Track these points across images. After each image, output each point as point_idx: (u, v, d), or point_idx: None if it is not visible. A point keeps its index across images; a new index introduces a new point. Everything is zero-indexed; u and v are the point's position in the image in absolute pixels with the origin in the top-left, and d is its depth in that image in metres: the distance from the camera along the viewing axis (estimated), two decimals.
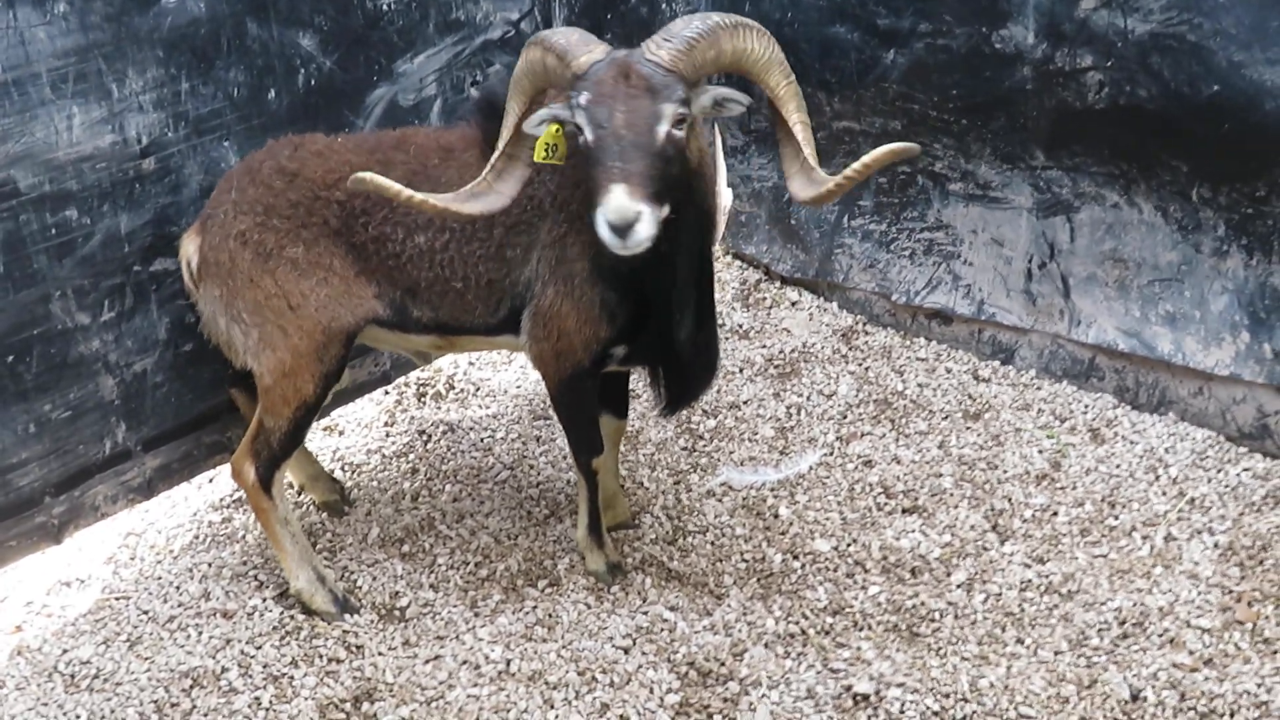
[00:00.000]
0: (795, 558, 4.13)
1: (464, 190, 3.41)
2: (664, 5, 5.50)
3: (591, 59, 3.15)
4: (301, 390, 3.78)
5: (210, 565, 4.17)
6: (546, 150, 3.36)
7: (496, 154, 3.40)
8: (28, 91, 3.66)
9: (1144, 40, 4.38)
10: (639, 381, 4.18)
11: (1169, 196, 4.53)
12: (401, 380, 5.18)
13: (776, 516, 4.33)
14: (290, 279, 3.74)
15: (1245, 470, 4.39)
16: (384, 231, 3.75)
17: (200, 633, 3.88)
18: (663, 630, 3.83)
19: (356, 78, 4.53)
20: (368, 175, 3.29)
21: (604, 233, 3.05)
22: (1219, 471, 4.40)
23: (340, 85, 4.47)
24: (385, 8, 4.55)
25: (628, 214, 3.00)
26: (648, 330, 3.70)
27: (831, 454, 4.65)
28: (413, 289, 3.81)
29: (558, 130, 3.30)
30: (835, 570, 4.07)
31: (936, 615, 3.85)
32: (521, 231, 3.69)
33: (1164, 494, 4.31)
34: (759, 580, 4.04)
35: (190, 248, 3.85)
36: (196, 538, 4.35)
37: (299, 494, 4.45)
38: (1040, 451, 4.58)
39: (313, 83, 4.39)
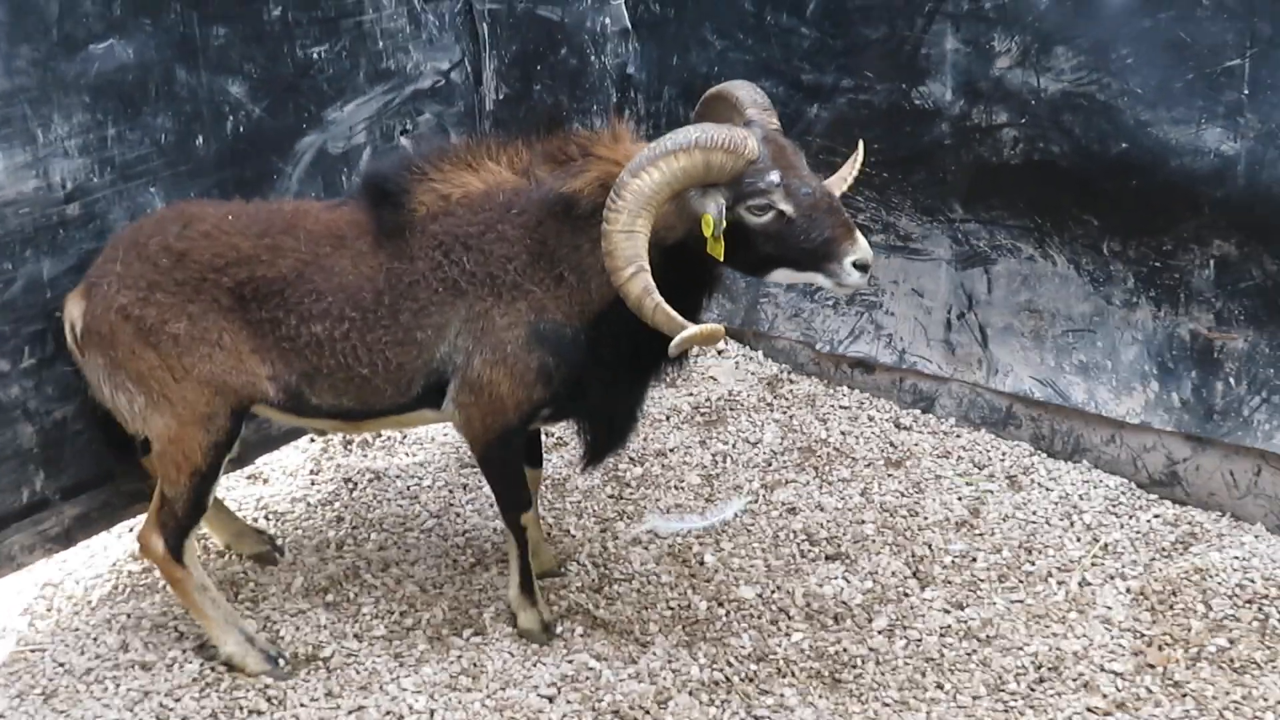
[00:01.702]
0: (720, 605, 4.16)
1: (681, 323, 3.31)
2: (593, 58, 5.58)
3: (755, 142, 3.35)
4: (191, 458, 3.70)
5: (129, 616, 4.11)
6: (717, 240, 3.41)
7: (655, 294, 3.26)
8: None
9: (1056, 98, 4.54)
10: (568, 430, 4.20)
11: (1081, 249, 4.67)
12: None
13: (702, 564, 4.37)
14: (173, 354, 3.65)
15: (1156, 516, 4.51)
16: (277, 316, 3.67)
17: (118, 685, 3.81)
18: (588, 678, 3.84)
19: (286, 125, 4.54)
20: (689, 334, 3.23)
21: (852, 276, 3.37)
22: (1130, 518, 4.52)
23: (269, 132, 4.48)
24: (315, 56, 4.58)
25: (871, 251, 3.38)
26: (588, 393, 3.72)
27: (756, 501, 4.70)
28: (311, 376, 3.73)
29: (719, 221, 3.37)
30: (760, 617, 4.11)
31: (858, 661, 3.90)
32: (432, 313, 3.64)
33: (1078, 540, 4.42)
34: (684, 627, 4.07)
35: (75, 312, 3.75)
36: (115, 588, 4.29)
37: (226, 552, 4.38)
38: (960, 499, 4.68)
39: (241, 129, 4.39)
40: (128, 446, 3.98)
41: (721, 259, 3.42)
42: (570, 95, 5.62)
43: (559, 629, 4.04)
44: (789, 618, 4.11)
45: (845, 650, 3.94)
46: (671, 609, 4.15)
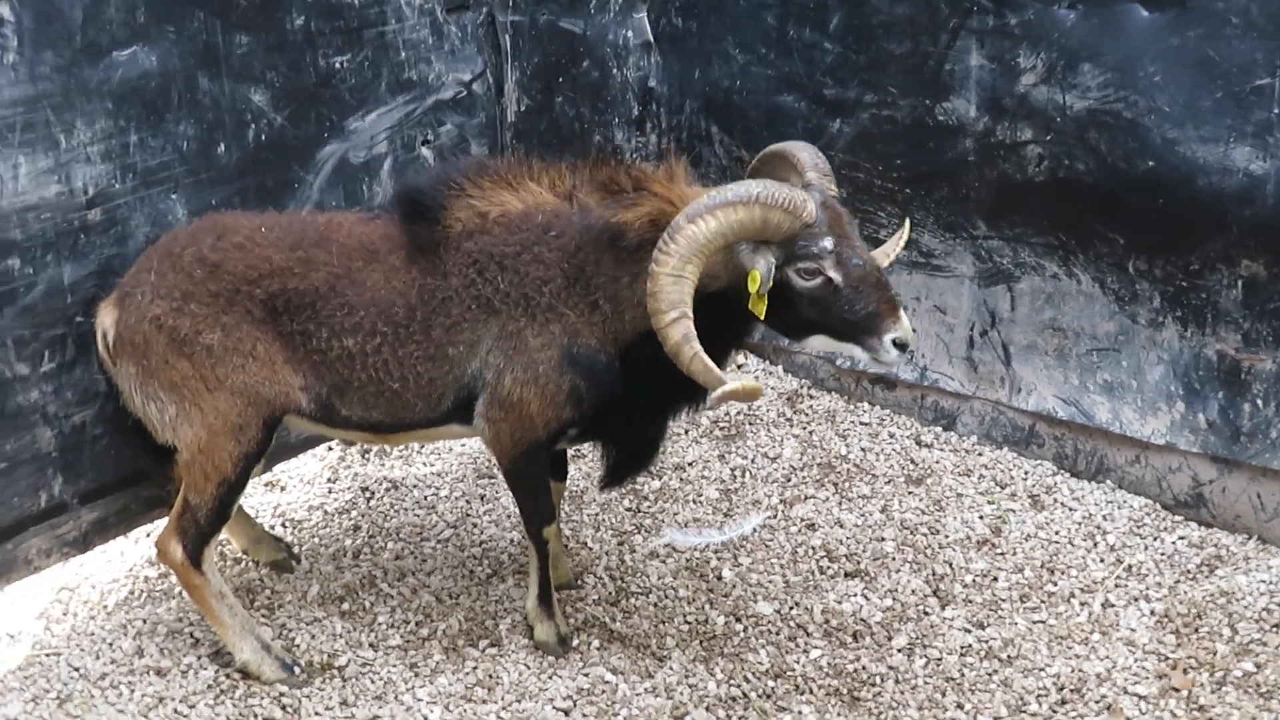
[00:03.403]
0: (738, 620, 4.13)
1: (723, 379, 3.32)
2: (614, 70, 5.57)
3: (814, 205, 3.34)
4: (221, 468, 3.71)
5: (145, 621, 4.10)
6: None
7: (695, 343, 3.27)
8: None
9: (1082, 116, 4.51)
10: (588, 444, 4.19)
11: (1106, 268, 4.63)
12: None
13: (720, 579, 4.33)
14: (206, 364, 3.66)
15: (1181, 538, 4.46)
16: (308, 329, 3.68)
17: (133, 691, 3.80)
18: (604, 692, 3.81)
19: (307, 134, 4.54)
20: (729, 389, 3.26)
21: (891, 354, 3.38)
22: (1155, 539, 4.46)
23: (290, 141, 4.48)
24: (338, 66, 4.58)
25: (912, 334, 3.41)
26: (615, 418, 3.72)
27: (775, 517, 4.67)
28: (341, 388, 3.73)
29: (766, 280, 3.37)
30: (777, 633, 4.07)
31: (877, 680, 3.86)
32: (464, 329, 3.64)
33: (1102, 561, 4.37)
34: (701, 642, 4.03)
35: (107, 320, 3.76)
36: (132, 593, 4.28)
37: (243, 557, 4.37)
38: (981, 517, 4.63)
39: (263, 138, 4.39)
40: (164, 452, 3.95)
41: (762, 317, 3.42)
42: (591, 108, 5.62)
43: (575, 642, 4.01)
44: (807, 634, 4.07)
45: (864, 668, 3.90)
46: (689, 623, 4.12)
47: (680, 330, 3.26)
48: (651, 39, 5.57)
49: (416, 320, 3.64)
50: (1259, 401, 4.35)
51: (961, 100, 4.79)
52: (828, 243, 3.34)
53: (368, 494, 4.84)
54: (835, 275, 3.35)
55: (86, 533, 4.18)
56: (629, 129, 5.66)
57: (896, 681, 3.85)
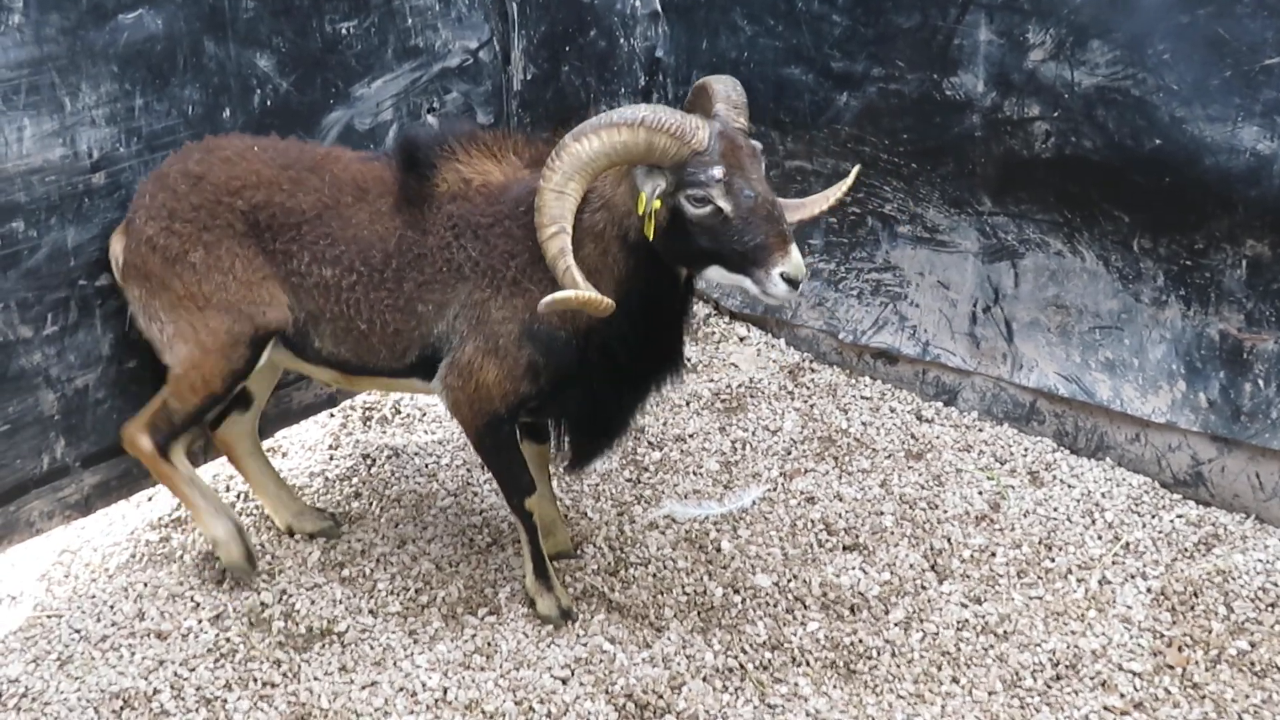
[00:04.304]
0: (736, 592, 4.14)
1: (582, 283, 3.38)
2: (621, 40, 5.55)
3: (707, 134, 3.33)
4: (210, 383, 3.84)
5: (146, 585, 4.12)
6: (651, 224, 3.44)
7: (569, 257, 3.34)
8: None
9: (1090, 93, 4.49)
10: None
11: (1111, 246, 4.62)
12: (347, 403, 5.16)
13: (719, 550, 4.35)
14: (193, 282, 3.77)
15: (1179, 516, 4.47)
16: (291, 250, 3.76)
17: (133, 653, 3.83)
18: (601, 661, 3.83)
19: (313, 100, 4.52)
20: (561, 296, 3.31)
21: (779, 288, 3.33)
22: (1153, 517, 4.48)
23: (296, 107, 4.46)
24: (344, 32, 4.56)
25: (804, 268, 3.35)
26: (572, 396, 3.76)
27: (775, 489, 4.68)
28: (316, 317, 3.81)
29: (660, 206, 3.39)
30: (775, 605, 4.09)
31: (874, 653, 3.88)
32: (435, 289, 3.69)
33: (1099, 538, 4.38)
34: (699, 613, 4.05)
35: (117, 247, 3.89)
36: (133, 556, 4.30)
37: (289, 534, 4.38)
38: (980, 493, 4.64)
39: (268, 103, 4.38)
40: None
41: (651, 238, 3.43)
42: (598, 78, 5.60)
43: (577, 614, 4.03)
44: (805, 607, 4.09)
45: (861, 641, 3.92)
46: (687, 594, 4.14)
47: (558, 244, 3.34)
48: (659, 9, 5.54)
49: (391, 269, 3.71)
50: (1260, 382, 4.35)
51: (969, 75, 4.77)
52: (717, 171, 3.31)
53: (369, 461, 4.85)
54: (724, 204, 3.33)
55: (88, 496, 4.20)
56: (635, 99, 5.64)
57: (893, 655, 3.87)
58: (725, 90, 3.58)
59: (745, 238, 3.34)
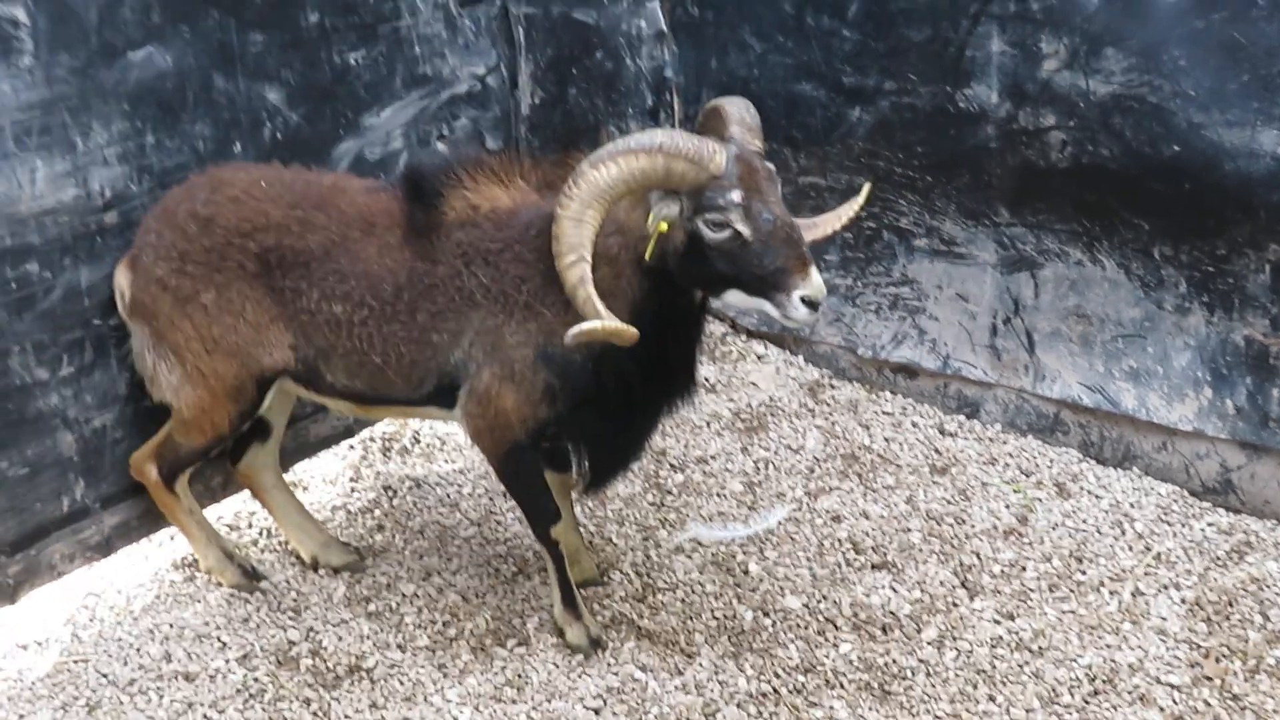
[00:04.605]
0: (766, 615, 4.10)
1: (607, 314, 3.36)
2: (627, 60, 5.53)
3: (724, 158, 3.30)
4: (218, 425, 3.92)
5: (171, 626, 4.08)
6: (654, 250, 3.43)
7: (589, 285, 3.32)
8: None
9: (1106, 101, 4.46)
10: None
11: (1131, 254, 4.59)
12: (366, 434, 5.13)
13: (746, 573, 4.31)
14: (204, 324, 3.78)
15: (1209, 525, 4.42)
16: (300, 287, 3.75)
17: (161, 696, 3.79)
18: (634, 690, 3.78)
19: (323, 131, 4.51)
20: (589, 327, 3.29)
21: (799, 311, 3.30)
22: (1184, 526, 4.43)
23: (306, 138, 4.45)
24: (353, 62, 4.55)
25: (824, 289, 3.31)
26: (591, 419, 3.73)
27: (800, 509, 4.64)
28: (327, 353, 3.79)
29: (670, 229, 3.37)
30: (806, 628, 4.05)
31: (908, 673, 3.84)
32: (448, 318, 3.67)
33: (1130, 549, 4.33)
34: (730, 638, 4.01)
35: (123, 281, 3.88)
36: (158, 598, 4.26)
37: (314, 568, 4.35)
38: (1007, 506, 4.60)
39: (279, 136, 4.36)
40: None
41: (648, 259, 3.41)
42: (606, 99, 5.58)
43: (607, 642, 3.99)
44: (836, 628, 4.04)
45: (895, 661, 3.88)
46: (717, 619, 4.09)
47: (577, 273, 3.31)
48: (666, 28, 5.52)
49: (403, 301, 3.69)
50: None
51: (983, 86, 4.74)
52: (735, 195, 3.29)
53: (390, 493, 4.82)
54: (743, 228, 3.31)
55: (109, 537, 4.18)
56: (643, 120, 5.62)
57: (928, 674, 3.83)
58: (739, 112, 3.55)
59: (765, 261, 3.32)
